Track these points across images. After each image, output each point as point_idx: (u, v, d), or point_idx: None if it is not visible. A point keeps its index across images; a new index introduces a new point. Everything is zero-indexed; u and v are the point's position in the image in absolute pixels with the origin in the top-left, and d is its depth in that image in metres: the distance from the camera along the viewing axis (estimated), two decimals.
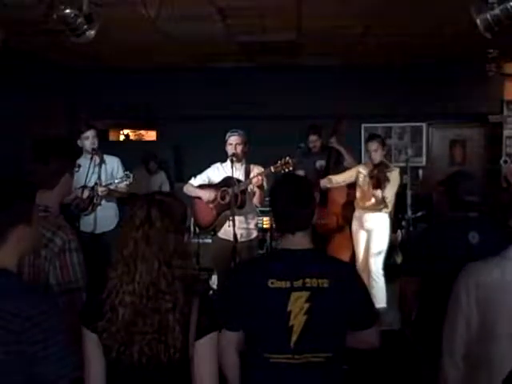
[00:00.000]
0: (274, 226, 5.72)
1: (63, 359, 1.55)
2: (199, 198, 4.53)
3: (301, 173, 5.28)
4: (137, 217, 1.72)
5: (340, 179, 5.21)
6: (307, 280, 1.92)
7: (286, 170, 4.07)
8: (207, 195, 4.47)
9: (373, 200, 4.93)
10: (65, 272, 2.07)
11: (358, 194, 5.12)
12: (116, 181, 4.62)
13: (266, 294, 1.92)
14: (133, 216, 1.73)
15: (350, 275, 2.08)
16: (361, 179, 5.09)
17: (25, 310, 1.49)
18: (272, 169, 4.14)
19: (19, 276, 1.63)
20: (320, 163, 5.65)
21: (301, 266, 1.96)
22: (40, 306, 1.52)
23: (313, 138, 5.71)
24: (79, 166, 4.30)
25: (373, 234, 5.01)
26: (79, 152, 4.61)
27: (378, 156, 4.94)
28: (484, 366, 1.92)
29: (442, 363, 2.01)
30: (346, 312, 1.98)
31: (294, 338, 1.91)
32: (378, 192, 4.76)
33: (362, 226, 5.12)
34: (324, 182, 5.19)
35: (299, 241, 2.00)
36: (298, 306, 1.91)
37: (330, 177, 5.22)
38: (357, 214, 5.17)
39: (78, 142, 4.72)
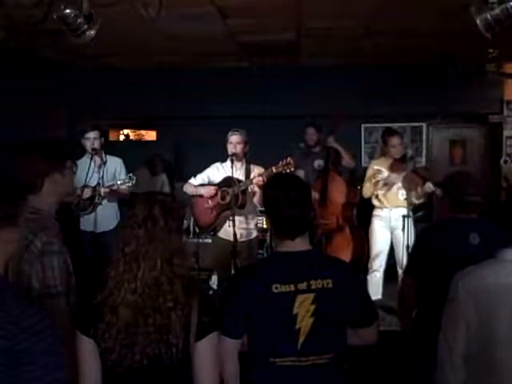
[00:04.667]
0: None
1: (54, 363, 1.51)
2: (200, 195, 4.54)
3: (301, 173, 5.28)
4: (139, 215, 1.71)
5: (370, 189, 5.13)
6: (312, 282, 1.91)
7: (288, 171, 4.05)
8: (208, 191, 4.47)
9: (400, 196, 4.90)
10: (45, 276, 1.98)
11: (380, 192, 5.02)
12: (118, 182, 4.64)
13: (271, 300, 1.90)
14: (134, 214, 1.72)
15: (351, 274, 2.09)
16: (382, 176, 5.03)
17: (13, 314, 1.46)
18: (274, 169, 4.13)
19: (7, 280, 1.59)
20: (318, 163, 5.62)
21: (304, 268, 1.95)
22: (29, 311, 1.49)
23: (310, 130, 5.65)
24: (76, 165, 4.30)
25: (400, 232, 4.84)
26: (67, 151, 4.61)
27: (400, 150, 4.96)
28: (486, 371, 1.90)
29: (442, 368, 1.99)
30: (349, 311, 1.98)
31: (300, 340, 1.90)
32: (430, 184, 4.70)
33: (387, 225, 5.03)
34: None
35: (298, 243, 1.99)
36: (304, 308, 1.90)
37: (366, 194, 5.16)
38: (381, 212, 5.05)
39: (82, 141, 4.74)
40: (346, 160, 5.41)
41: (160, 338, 1.64)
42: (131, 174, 4.67)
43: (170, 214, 1.73)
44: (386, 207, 5.01)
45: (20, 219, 1.62)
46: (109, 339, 1.64)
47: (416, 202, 4.88)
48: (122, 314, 1.64)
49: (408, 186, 4.85)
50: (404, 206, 4.85)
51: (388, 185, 4.96)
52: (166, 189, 6.73)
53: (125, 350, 1.64)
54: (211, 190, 4.46)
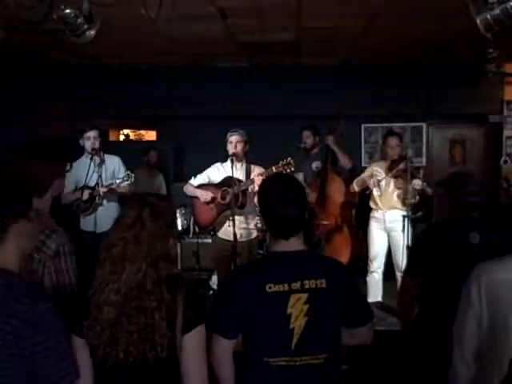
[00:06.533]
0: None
1: (64, 361, 1.54)
2: (198, 197, 4.54)
3: (300, 176, 5.27)
4: (128, 217, 1.73)
5: (359, 181, 5.20)
6: (305, 281, 1.91)
7: (288, 171, 4.05)
8: (204, 196, 4.47)
9: (395, 197, 4.93)
10: (60, 276, 2.05)
11: (375, 194, 5.06)
12: (117, 181, 4.64)
13: (265, 300, 1.90)
14: (124, 216, 1.75)
15: (345, 274, 2.07)
16: (379, 178, 5.06)
17: (24, 311, 1.48)
18: (274, 169, 4.13)
19: (19, 276, 1.61)
20: (316, 165, 5.59)
21: (297, 268, 1.94)
22: (39, 308, 1.51)
23: (306, 133, 5.64)
24: (71, 166, 4.31)
25: (397, 233, 4.89)
26: (70, 153, 4.62)
27: (397, 151, 4.99)
28: (496, 365, 1.89)
29: (453, 361, 1.99)
30: (343, 311, 1.97)
31: (294, 340, 1.90)
32: (418, 181, 4.74)
33: (382, 226, 5.07)
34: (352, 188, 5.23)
35: (293, 243, 1.99)
36: (297, 308, 1.89)
37: (354, 184, 5.20)
38: (376, 214, 5.11)
39: (80, 141, 4.73)
40: (342, 162, 5.37)
41: (145, 337, 1.65)
42: (129, 172, 4.67)
43: (158, 218, 1.74)
44: (380, 209, 5.05)
45: (32, 214, 1.64)
46: (93, 336, 1.66)
47: (411, 201, 4.87)
48: (106, 313, 1.66)
49: (400, 186, 4.89)
50: (399, 208, 4.89)
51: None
52: (163, 190, 6.74)
53: (108, 348, 1.66)
54: (208, 195, 4.46)
